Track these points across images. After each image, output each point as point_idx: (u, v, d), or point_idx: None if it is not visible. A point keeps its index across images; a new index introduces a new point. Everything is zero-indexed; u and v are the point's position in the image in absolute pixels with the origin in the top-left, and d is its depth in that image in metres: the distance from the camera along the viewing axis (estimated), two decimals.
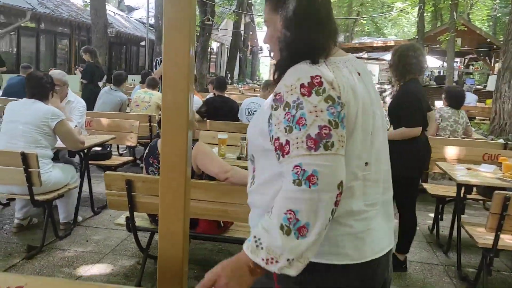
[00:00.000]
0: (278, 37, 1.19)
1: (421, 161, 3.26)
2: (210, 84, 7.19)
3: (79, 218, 4.01)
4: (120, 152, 6.87)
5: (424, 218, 4.69)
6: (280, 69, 1.16)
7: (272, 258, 1.01)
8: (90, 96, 6.79)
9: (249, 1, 23.38)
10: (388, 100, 14.38)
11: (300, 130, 1.04)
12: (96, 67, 7.51)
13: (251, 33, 27.89)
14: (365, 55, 19.13)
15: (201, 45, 15.31)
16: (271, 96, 1.15)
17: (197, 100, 5.90)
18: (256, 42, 31.07)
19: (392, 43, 18.07)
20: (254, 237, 1.05)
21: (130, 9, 23.09)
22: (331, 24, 1.21)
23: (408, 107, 3.15)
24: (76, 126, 4.05)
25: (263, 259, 1.02)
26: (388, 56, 19.55)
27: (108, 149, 5.46)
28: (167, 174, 1.29)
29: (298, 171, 1.01)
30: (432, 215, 4.54)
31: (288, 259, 1.01)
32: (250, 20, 26.45)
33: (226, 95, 5.86)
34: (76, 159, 4.10)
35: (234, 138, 4.36)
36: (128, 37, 17.06)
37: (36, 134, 3.36)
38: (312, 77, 1.07)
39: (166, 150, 1.29)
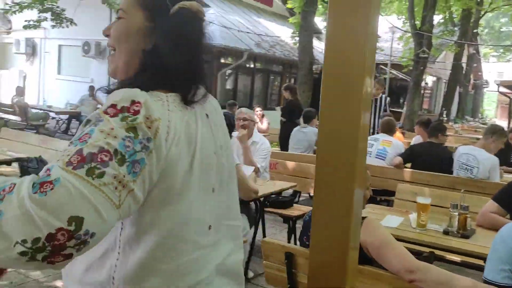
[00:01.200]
0: (143, 47, 0.98)
1: None
2: (418, 124, 6.20)
3: (250, 274, 3.60)
4: (301, 198, 6.30)
5: None
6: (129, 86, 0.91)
7: None
8: (287, 134, 6.62)
9: (474, 31, 20.91)
10: None
11: (76, 146, 0.79)
12: (296, 105, 7.35)
13: (475, 65, 24.91)
14: None
15: (414, 79, 14.09)
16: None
17: (397, 144, 4.98)
18: (480, 75, 27.63)
19: None
20: None
21: None
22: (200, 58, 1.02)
23: None
24: (254, 171, 3.70)
25: None
26: None
27: (297, 196, 5.06)
28: (319, 257, 1.01)
29: (43, 173, 0.77)
30: None
31: None
32: (474, 51, 23.65)
33: (439, 142, 4.82)
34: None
35: (442, 197, 3.37)
36: None
37: None
38: (133, 102, 0.85)
39: (319, 220, 0.99)
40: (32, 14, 10.64)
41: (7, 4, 10.84)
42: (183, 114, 0.93)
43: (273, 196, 3.94)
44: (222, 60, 12.81)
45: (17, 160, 4.55)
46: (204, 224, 0.97)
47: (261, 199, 3.59)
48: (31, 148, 5.24)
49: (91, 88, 10.94)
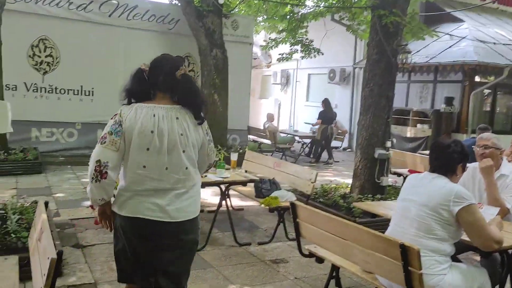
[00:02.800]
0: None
1: None
2: None
3: None
4: None
5: None
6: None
7: None
8: None
9: None
10: None
11: (103, 132, 2.27)
12: None
13: None
14: None
15: None
16: None
17: None
18: None
19: None
20: None
21: None
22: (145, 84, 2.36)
23: None
24: (499, 213, 2.89)
25: None
26: None
27: None
28: None
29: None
30: None
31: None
32: None
33: None
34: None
35: None
36: None
37: (431, 220, 2.54)
38: (120, 111, 2.29)
39: None
40: (286, 48, 11.72)
41: (265, 40, 12.22)
42: (135, 111, 2.26)
43: None
44: (477, 79, 11.28)
45: (251, 181, 4.87)
46: (140, 164, 2.23)
47: (510, 251, 2.77)
48: (267, 170, 5.57)
49: None
